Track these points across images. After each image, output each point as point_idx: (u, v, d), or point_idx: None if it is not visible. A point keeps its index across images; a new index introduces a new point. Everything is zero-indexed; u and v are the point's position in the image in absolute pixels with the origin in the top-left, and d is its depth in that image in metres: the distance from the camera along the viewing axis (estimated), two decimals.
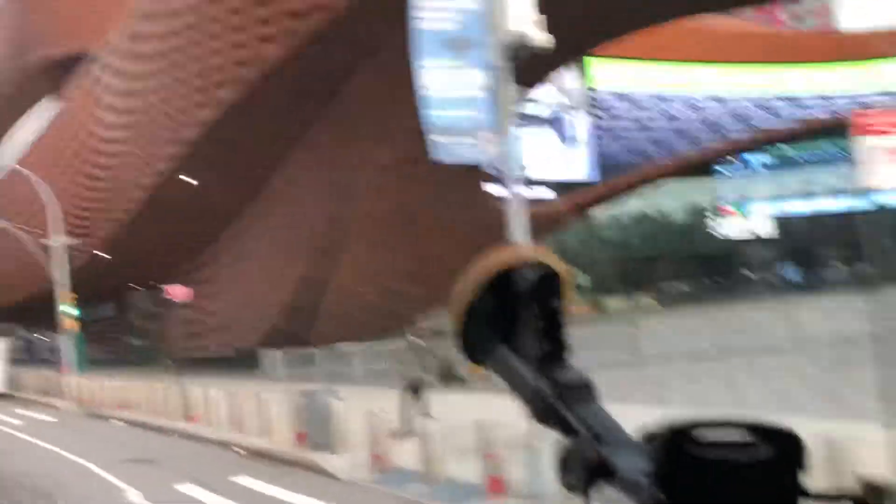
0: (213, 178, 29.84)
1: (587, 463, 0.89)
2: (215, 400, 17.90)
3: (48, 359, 60.46)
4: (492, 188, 30.75)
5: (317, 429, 14.17)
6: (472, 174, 29.29)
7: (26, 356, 64.52)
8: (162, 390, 21.01)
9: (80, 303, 31.26)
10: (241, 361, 32.13)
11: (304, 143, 28.18)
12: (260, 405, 15.71)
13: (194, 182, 30.23)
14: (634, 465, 0.86)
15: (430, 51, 9.81)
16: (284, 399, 15.19)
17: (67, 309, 29.98)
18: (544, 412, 0.95)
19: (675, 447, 0.84)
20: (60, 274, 29.95)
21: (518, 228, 9.77)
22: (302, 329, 30.33)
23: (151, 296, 44.23)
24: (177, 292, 31.53)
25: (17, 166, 38.49)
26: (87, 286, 32.69)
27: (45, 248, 33.24)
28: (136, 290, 45.92)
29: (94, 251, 36.77)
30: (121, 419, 21.75)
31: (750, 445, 0.85)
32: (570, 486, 0.90)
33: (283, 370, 28.38)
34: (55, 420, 23.93)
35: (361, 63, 24.66)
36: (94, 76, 36.67)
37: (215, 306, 35.74)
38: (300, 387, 19.86)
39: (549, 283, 0.98)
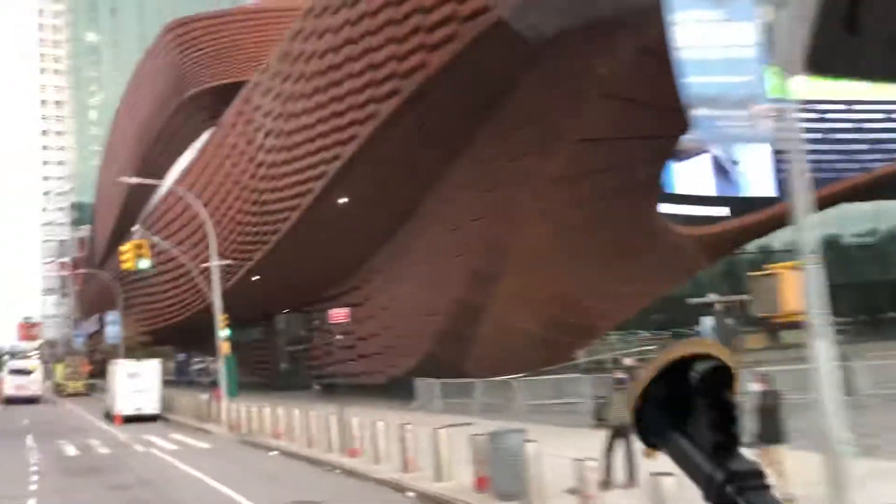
0: (365, 196, 28.74)
1: None
2: (379, 433, 16.26)
3: (197, 380, 61.89)
4: (666, 208, 28.02)
5: (503, 474, 12.21)
6: (645, 193, 26.70)
7: (177, 377, 66.39)
8: (318, 419, 19.72)
9: (230, 325, 30.83)
10: (392, 389, 30.74)
11: (461, 160, 26.59)
12: (434, 442, 13.84)
13: (346, 199, 29.23)
14: None
15: (685, 3, 7.67)
16: (461, 436, 13.32)
17: (221, 332, 29.55)
18: (718, 498, 0.99)
19: None
20: (217, 297, 29.60)
21: (801, 216, 7.50)
22: (456, 358, 28.56)
23: (300, 320, 43.90)
24: (340, 315, 30.68)
25: (179, 188, 39.11)
26: (237, 309, 32.28)
27: (203, 271, 33.16)
28: (285, 314, 45.78)
29: (247, 273, 36.61)
30: (276, 449, 20.60)
31: None
32: None
33: (439, 401, 26.72)
34: (209, 447, 23.12)
35: (523, 71, 22.77)
36: (250, 100, 36.76)
37: (366, 331, 34.62)
38: (461, 419, 18.03)
39: (720, 375, 1.03)
